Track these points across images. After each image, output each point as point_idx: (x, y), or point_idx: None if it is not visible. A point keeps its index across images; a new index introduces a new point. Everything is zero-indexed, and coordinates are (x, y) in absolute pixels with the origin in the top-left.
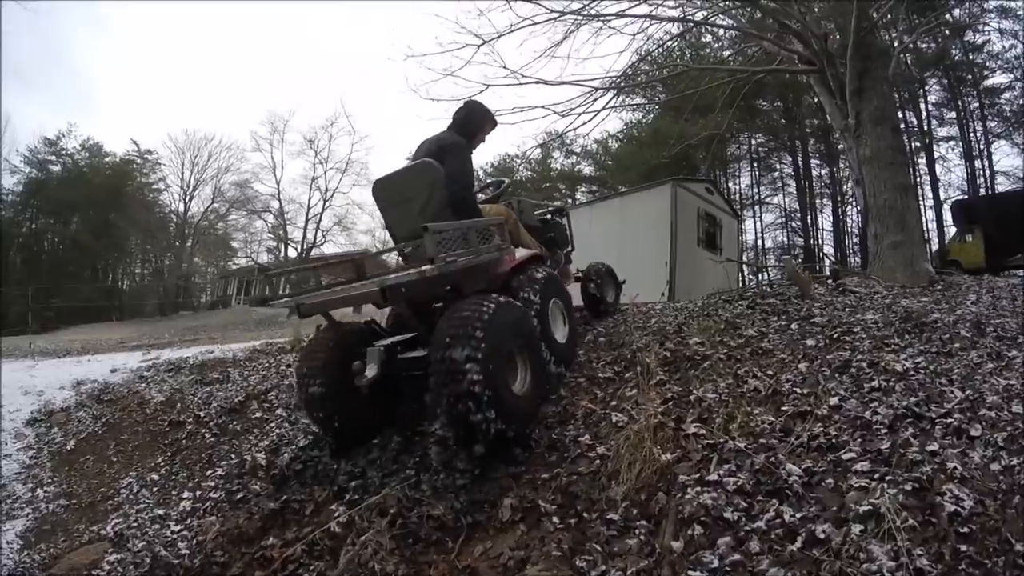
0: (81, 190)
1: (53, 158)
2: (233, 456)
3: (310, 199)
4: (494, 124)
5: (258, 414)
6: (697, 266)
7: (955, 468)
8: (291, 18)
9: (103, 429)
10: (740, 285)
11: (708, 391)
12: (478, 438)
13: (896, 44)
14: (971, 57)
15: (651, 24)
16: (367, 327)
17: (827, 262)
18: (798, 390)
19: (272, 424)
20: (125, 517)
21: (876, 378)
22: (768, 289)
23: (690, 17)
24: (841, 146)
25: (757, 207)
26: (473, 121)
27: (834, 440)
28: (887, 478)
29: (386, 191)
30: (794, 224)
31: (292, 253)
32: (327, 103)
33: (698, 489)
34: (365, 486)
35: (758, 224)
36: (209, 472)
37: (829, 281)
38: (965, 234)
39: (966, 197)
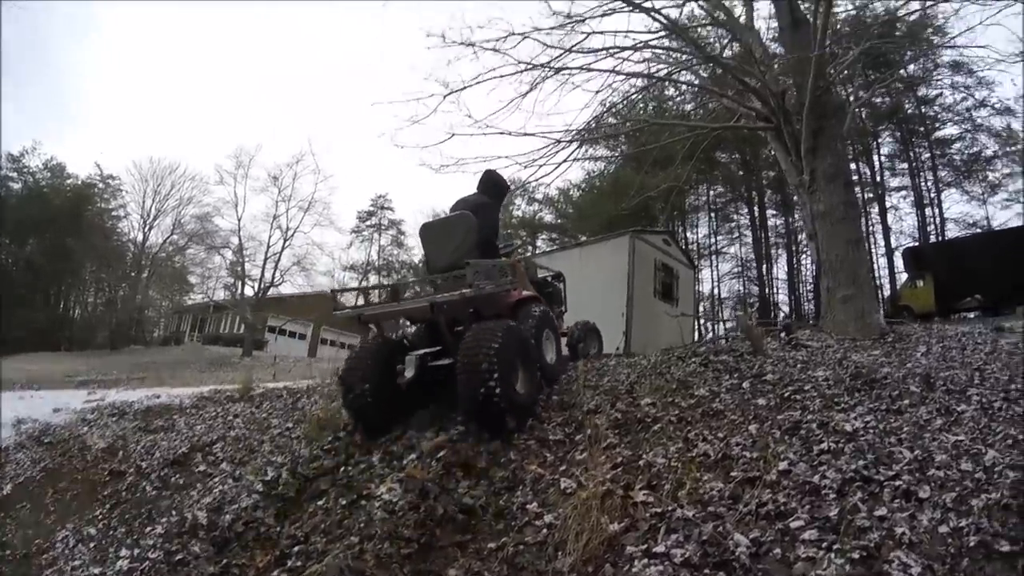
0: (40, 211)
1: (15, 175)
2: (174, 512)
3: (270, 237)
4: (509, 189)
5: (202, 467)
6: (653, 317)
7: (903, 533)
8: (263, 54)
9: (41, 474)
10: (695, 336)
11: (658, 455)
12: (491, 422)
13: (852, 99)
14: (923, 110)
15: (615, 79)
16: (401, 341)
17: (781, 315)
18: (747, 454)
19: (216, 479)
20: (60, 574)
21: (826, 439)
22: (723, 343)
23: (653, 73)
24: (796, 198)
25: (714, 256)
26: (498, 186)
27: (783, 507)
28: (835, 547)
29: (430, 232)
30: (750, 274)
31: (249, 291)
32: (294, 141)
33: (645, 561)
34: (307, 552)
35: (715, 273)
36: (149, 529)
37: (782, 335)
38: (916, 280)
39: (917, 244)
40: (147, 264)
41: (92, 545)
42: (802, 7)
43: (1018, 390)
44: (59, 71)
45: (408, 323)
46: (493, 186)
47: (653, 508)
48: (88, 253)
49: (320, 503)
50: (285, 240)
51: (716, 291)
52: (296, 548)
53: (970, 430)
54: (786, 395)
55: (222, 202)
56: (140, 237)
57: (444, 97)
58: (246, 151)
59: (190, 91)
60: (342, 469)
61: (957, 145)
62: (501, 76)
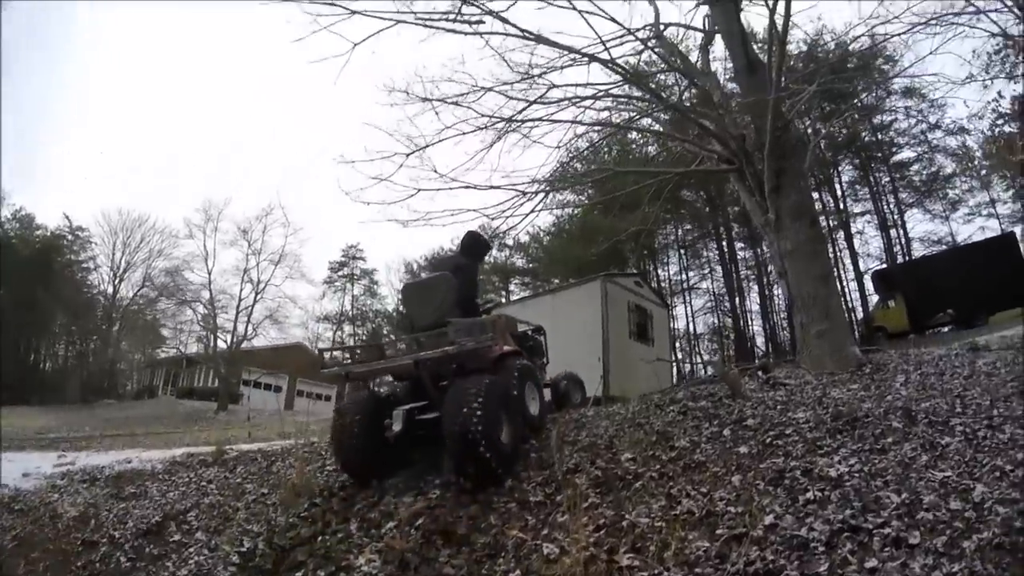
0: (8, 262)
1: None
2: None
3: (241, 291)
4: (489, 248)
5: (176, 537)
6: (630, 359)
7: None
8: (232, 109)
9: (12, 544)
10: (674, 375)
11: (641, 514)
12: (476, 471)
13: (811, 133)
14: (879, 136)
15: (577, 130)
16: (388, 396)
17: (758, 353)
18: (732, 509)
19: (191, 549)
20: None
21: (811, 488)
22: (701, 388)
23: (614, 122)
24: (764, 237)
25: (687, 293)
26: (478, 246)
27: (771, 565)
28: None
29: (412, 293)
30: (723, 307)
31: (222, 344)
32: (262, 193)
33: None
34: None
35: (688, 310)
36: None
37: (760, 374)
38: (887, 301)
39: (885, 266)
40: (118, 317)
41: None
42: (755, 49)
43: (1000, 415)
44: (22, 117)
45: (394, 379)
46: (473, 246)
47: (639, 572)
48: (58, 305)
49: (299, 575)
50: (256, 293)
51: (691, 326)
52: None
53: (956, 464)
54: (768, 441)
55: (192, 256)
56: (110, 289)
57: (407, 156)
58: (215, 204)
59: (157, 144)
60: (319, 538)
61: (915, 167)
62: (463, 133)
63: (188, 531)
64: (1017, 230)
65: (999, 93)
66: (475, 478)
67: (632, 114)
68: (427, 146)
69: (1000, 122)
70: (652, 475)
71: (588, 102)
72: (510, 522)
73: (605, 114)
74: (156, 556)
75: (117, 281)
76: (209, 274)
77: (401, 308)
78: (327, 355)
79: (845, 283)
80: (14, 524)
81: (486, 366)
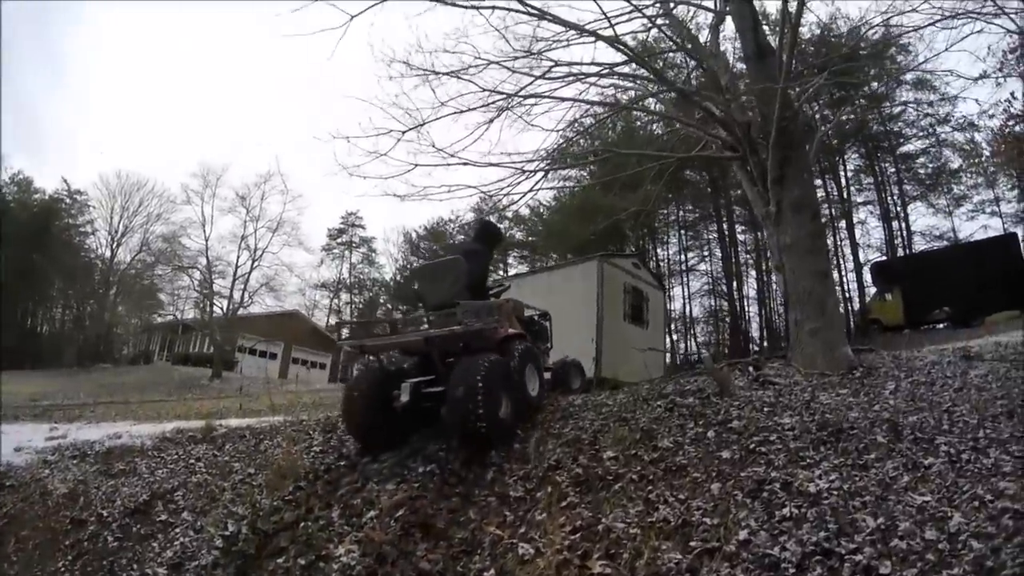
0: (6, 226)
1: None
2: (135, 567)
3: (238, 257)
4: (502, 238)
5: (163, 517)
6: (624, 341)
7: None
8: (228, 71)
9: (3, 522)
10: (667, 356)
11: (618, 519)
12: (476, 443)
13: (819, 120)
14: (887, 126)
15: (580, 108)
16: (397, 370)
17: (752, 341)
18: (708, 520)
19: (177, 530)
20: None
21: (788, 503)
22: (689, 381)
23: (618, 102)
24: (763, 229)
25: (685, 275)
26: (491, 235)
27: None
28: None
29: (424, 273)
30: (721, 290)
31: (218, 311)
32: (261, 160)
33: None
34: None
35: (686, 291)
36: None
37: (750, 370)
38: (885, 293)
39: (884, 258)
40: (115, 281)
41: None
42: (767, 32)
43: (986, 437)
44: (20, 86)
45: (403, 354)
46: (486, 234)
47: None
48: (55, 269)
49: (280, 561)
50: (253, 260)
51: (688, 309)
52: None
53: (936, 488)
54: (751, 447)
55: (189, 222)
56: (108, 254)
57: (403, 133)
58: (212, 170)
59: (155, 108)
60: (302, 524)
61: (922, 159)
62: (461, 111)
63: (175, 511)
64: (1019, 231)
65: (1012, 94)
66: (474, 448)
67: (637, 93)
68: (425, 123)
69: (1011, 123)
70: (632, 477)
71: (592, 79)
72: (489, 517)
73: (610, 91)
74: (143, 536)
75: (115, 245)
76: (206, 240)
77: (414, 287)
78: (344, 329)
79: (844, 273)
80: (4, 501)
81: (491, 347)
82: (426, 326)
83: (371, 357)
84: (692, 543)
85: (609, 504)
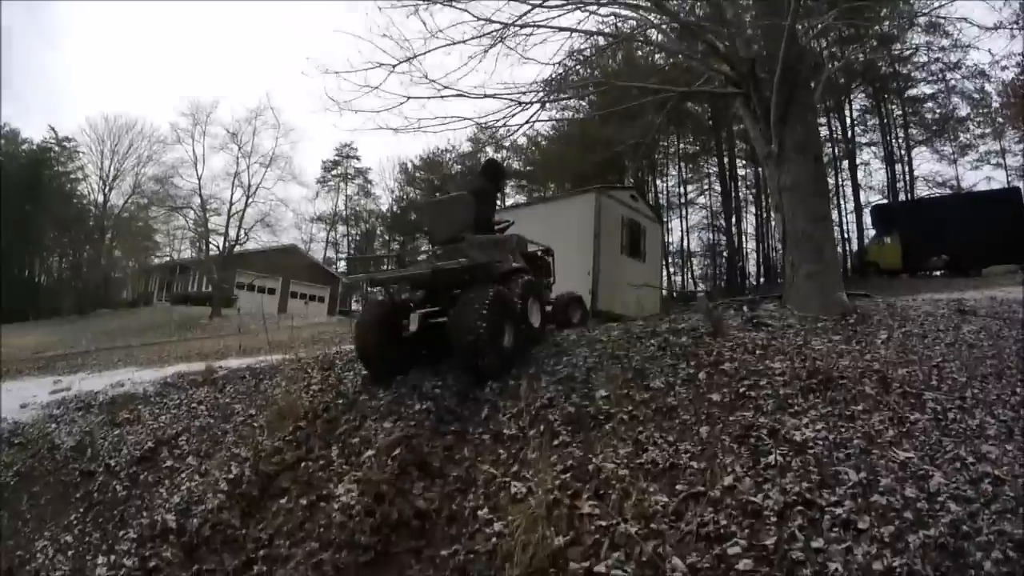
0: None
1: None
2: (145, 514)
3: (232, 195)
4: (507, 176)
5: (169, 463)
6: (621, 274)
7: (836, 570)
8: (217, 7)
9: (15, 479)
10: (663, 289)
11: (608, 459)
12: (478, 367)
13: (827, 54)
14: (896, 68)
15: (574, 42)
16: (406, 302)
17: (748, 277)
18: (695, 464)
19: (183, 475)
20: None
21: (774, 451)
22: (684, 318)
23: (619, 33)
24: (763, 169)
25: (684, 208)
26: (497, 173)
27: (723, 530)
28: None
29: (432, 209)
30: (719, 224)
31: (215, 250)
32: (252, 95)
33: None
34: (272, 556)
35: (684, 224)
36: (122, 533)
37: (745, 310)
38: (884, 237)
39: (886, 202)
40: (110, 226)
41: (70, 554)
42: None
43: (974, 397)
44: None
45: (411, 287)
46: (492, 172)
47: (598, 521)
48: (49, 218)
49: (283, 502)
50: (248, 197)
51: (686, 243)
52: (261, 552)
53: (920, 445)
54: (741, 391)
55: (180, 161)
56: (100, 199)
57: (393, 68)
58: (202, 107)
59: (138, 44)
60: (303, 464)
61: (929, 104)
62: (453, 43)
63: (180, 456)
64: (1023, 185)
65: None
66: (478, 373)
67: (638, 23)
68: (416, 56)
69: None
70: (623, 417)
71: (592, 6)
72: (483, 455)
73: (611, 19)
74: (150, 483)
75: (107, 190)
76: (199, 179)
77: (423, 221)
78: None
79: (844, 214)
80: (14, 459)
81: (495, 280)
82: (433, 259)
83: (380, 289)
84: (678, 486)
85: (600, 444)
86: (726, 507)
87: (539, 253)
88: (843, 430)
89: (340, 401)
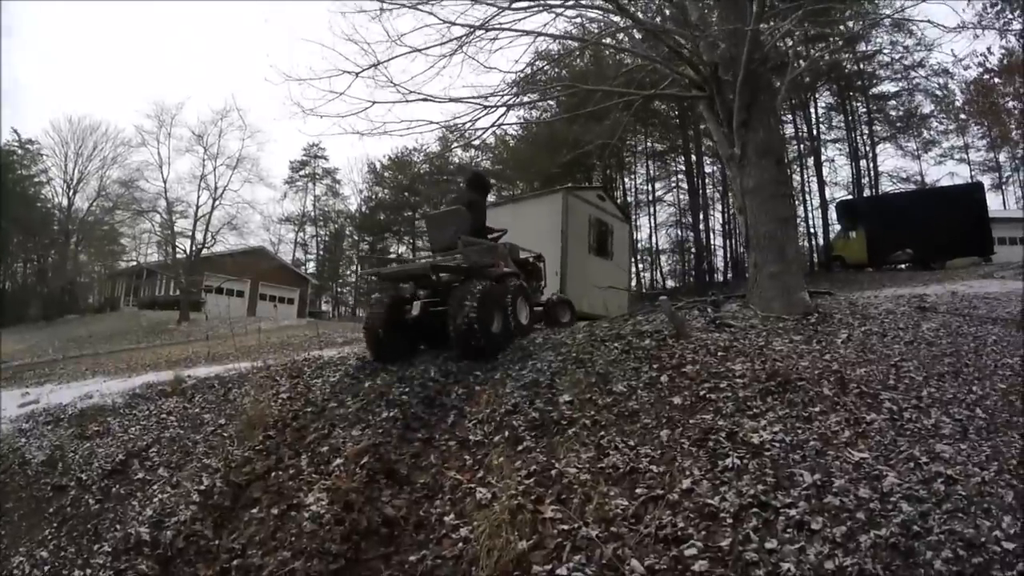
0: None
1: None
2: (118, 527)
3: (199, 197)
4: (491, 186)
5: (140, 475)
6: (588, 273)
7: (788, 570)
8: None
9: None
10: (632, 283)
11: (570, 463)
12: (471, 348)
13: (791, 53)
14: (861, 66)
15: (545, 42)
16: (408, 295)
17: (716, 271)
18: (654, 468)
19: (155, 487)
20: None
21: (732, 454)
22: (648, 319)
23: (583, 30)
24: (727, 171)
25: (652, 205)
26: (483, 185)
27: (680, 532)
28: None
29: (432, 220)
30: (686, 222)
31: (181, 254)
32: (217, 97)
33: None
34: (246, 567)
35: (652, 221)
36: (97, 547)
37: (709, 310)
38: (849, 232)
39: (851, 197)
40: (75, 230)
41: (47, 569)
42: None
43: (930, 397)
44: None
45: (415, 285)
46: (480, 186)
47: (561, 525)
48: (12, 223)
49: (254, 511)
50: (214, 200)
51: (654, 240)
52: (235, 562)
53: (875, 445)
54: (702, 393)
55: (145, 164)
56: (65, 202)
57: (356, 75)
58: (167, 109)
59: (103, 46)
60: (273, 474)
61: (894, 101)
62: (416, 50)
63: (151, 468)
64: (986, 180)
65: (988, 49)
66: (470, 355)
67: (602, 27)
68: (380, 63)
69: (986, 76)
70: (586, 422)
71: (558, 8)
72: (449, 462)
73: (577, 20)
74: (122, 496)
75: (72, 193)
76: (164, 182)
77: (424, 233)
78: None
79: (810, 210)
80: None
81: (487, 278)
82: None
83: (388, 286)
84: (638, 490)
85: (563, 449)
86: (684, 510)
87: (531, 259)
88: (800, 432)
89: (309, 409)
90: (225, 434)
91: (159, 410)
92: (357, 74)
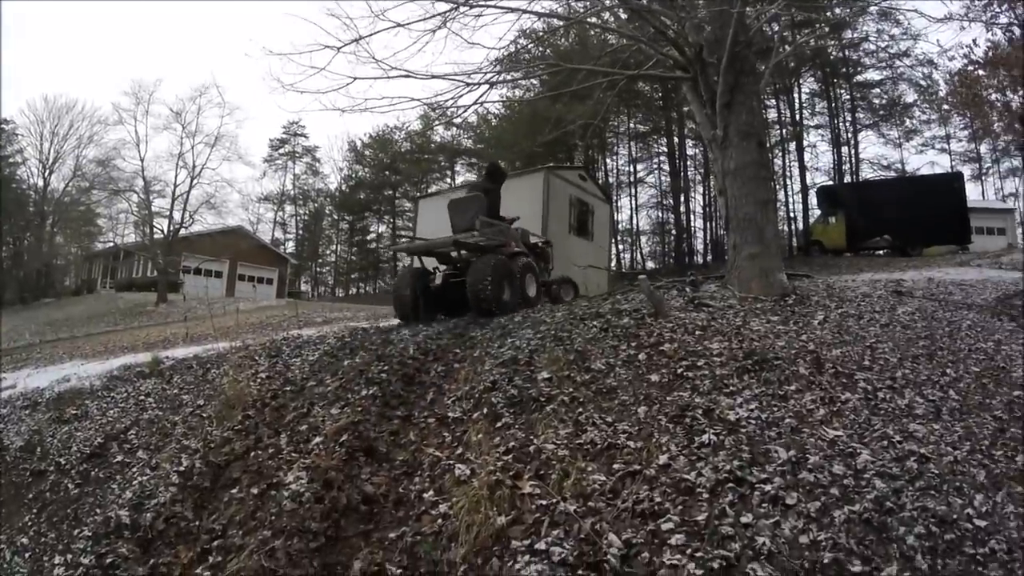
0: None
1: None
2: (98, 511)
3: (176, 176)
4: (506, 175)
5: (119, 458)
6: (569, 253)
7: (763, 543)
8: None
9: None
10: (609, 270)
11: (549, 440)
12: (486, 310)
13: (777, 38)
14: (846, 53)
15: (528, 20)
16: (430, 268)
17: (696, 252)
18: (632, 443)
19: (134, 469)
20: None
21: (708, 430)
22: (627, 297)
23: (568, 7)
24: (709, 152)
25: (633, 186)
26: (499, 174)
27: (657, 507)
28: (697, 554)
29: (454, 205)
30: (667, 203)
31: (159, 234)
32: (196, 74)
33: (528, 557)
34: (227, 547)
35: (633, 202)
36: (77, 532)
37: (687, 290)
38: (829, 217)
39: (831, 183)
40: (51, 211)
41: (28, 556)
42: None
43: (904, 377)
44: None
45: (438, 260)
46: (495, 174)
47: (539, 500)
48: None
49: (234, 492)
50: (192, 178)
51: (635, 221)
52: (216, 543)
53: (850, 424)
54: (679, 371)
55: (122, 143)
56: (40, 183)
57: (338, 50)
58: (144, 86)
59: (78, 19)
60: (252, 454)
61: (877, 90)
62: (399, 25)
63: (130, 450)
64: (966, 170)
65: (974, 41)
66: (484, 314)
67: (587, 4)
68: (361, 38)
69: (971, 68)
70: (564, 398)
71: None
72: (428, 439)
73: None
74: (101, 479)
75: (47, 173)
76: (142, 161)
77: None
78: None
79: (791, 194)
80: None
81: (501, 255)
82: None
83: (414, 259)
84: (616, 465)
85: (541, 425)
86: (661, 485)
87: (540, 244)
88: (775, 409)
89: (288, 388)
90: (204, 415)
91: (137, 392)
92: (339, 49)
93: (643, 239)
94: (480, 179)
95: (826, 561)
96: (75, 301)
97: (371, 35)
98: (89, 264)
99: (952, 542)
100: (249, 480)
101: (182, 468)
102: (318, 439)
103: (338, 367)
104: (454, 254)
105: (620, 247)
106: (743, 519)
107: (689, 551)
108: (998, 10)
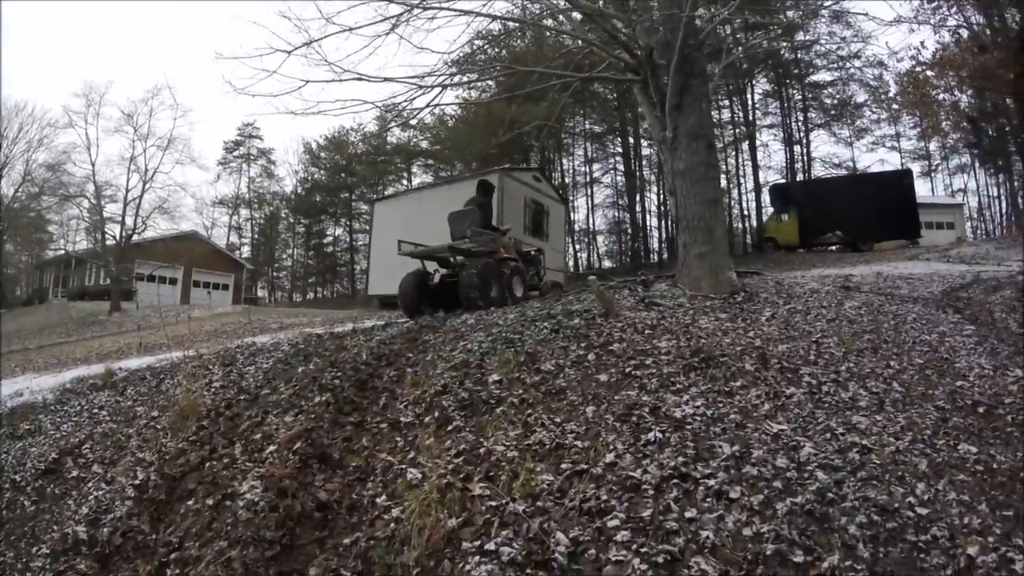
0: None
1: None
2: (55, 528)
3: (128, 180)
4: (495, 189)
5: (74, 473)
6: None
7: (707, 537)
8: None
9: None
10: (564, 273)
11: (498, 442)
12: (477, 306)
13: (730, 40)
14: (798, 55)
15: (482, 22)
16: (430, 271)
17: (639, 275)
18: (579, 443)
19: (90, 484)
20: None
21: (655, 428)
22: (579, 298)
23: (524, 10)
24: (659, 153)
25: (589, 186)
26: (490, 189)
27: (603, 504)
28: (643, 550)
29: (453, 216)
30: (623, 203)
31: (111, 240)
32: (148, 76)
33: (478, 558)
34: (184, 559)
35: (589, 202)
36: (35, 550)
37: (639, 290)
38: (781, 214)
39: (784, 181)
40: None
41: None
42: None
43: (848, 371)
44: None
45: (438, 264)
46: (487, 189)
47: (489, 501)
48: None
49: (190, 503)
50: (145, 183)
51: (591, 221)
52: (173, 555)
53: (794, 418)
54: (627, 371)
55: (73, 146)
56: None
57: (288, 55)
58: (96, 88)
59: (26, 18)
60: (207, 464)
61: (829, 90)
62: (349, 29)
63: (85, 465)
64: (916, 167)
65: (922, 43)
66: (474, 308)
67: (541, 9)
68: (313, 41)
69: (919, 69)
70: (514, 400)
71: None
72: (381, 444)
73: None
74: (58, 495)
75: None
76: (93, 165)
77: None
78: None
79: (744, 192)
80: None
81: (492, 260)
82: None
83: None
84: (563, 465)
85: (491, 427)
86: (607, 483)
87: (531, 252)
88: (721, 406)
89: (242, 397)
90: (158, 426)
91: (91, 405)
92: (290, 52)
93: (599, 239)
94: (475, 196)
95: (769, 552)
96: (26, 312)
97: (323, 38)
98: (40, 273)
99: (894, 530)
100: (204, 491)
101: (137, 481)
102: (272, 447)
103: (292, 374)
104: (452, 259)
105: (576, 247)
106: (687, 514)
107: (634, 547)
108: (946, 13)
